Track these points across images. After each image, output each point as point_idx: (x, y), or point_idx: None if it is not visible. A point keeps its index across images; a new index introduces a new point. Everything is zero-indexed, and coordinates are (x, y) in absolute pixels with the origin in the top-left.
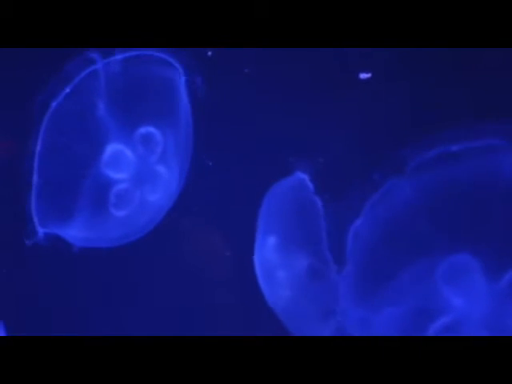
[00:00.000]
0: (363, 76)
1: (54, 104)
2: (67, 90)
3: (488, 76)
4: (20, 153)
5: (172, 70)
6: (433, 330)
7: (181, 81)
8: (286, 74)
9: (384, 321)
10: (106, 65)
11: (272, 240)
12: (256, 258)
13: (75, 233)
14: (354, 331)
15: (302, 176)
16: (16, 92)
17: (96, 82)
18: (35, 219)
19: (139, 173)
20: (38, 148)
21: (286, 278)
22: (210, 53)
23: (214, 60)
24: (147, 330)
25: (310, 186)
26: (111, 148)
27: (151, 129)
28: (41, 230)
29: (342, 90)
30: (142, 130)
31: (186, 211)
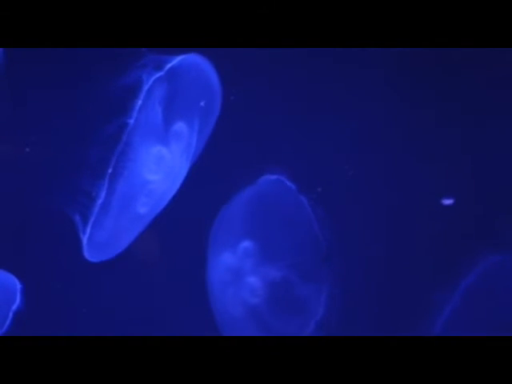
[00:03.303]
0: (446, 202)
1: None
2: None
3: None
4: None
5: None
6: None
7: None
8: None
9: None
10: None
11: (247, 244)
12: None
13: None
14: None
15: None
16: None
17: (158, 89)
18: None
19: (170, 171)
20: (110, 170)
21: (256, 284)
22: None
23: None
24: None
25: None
26: (156, 152)
27: (182, 124)
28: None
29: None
30: (175, 126)
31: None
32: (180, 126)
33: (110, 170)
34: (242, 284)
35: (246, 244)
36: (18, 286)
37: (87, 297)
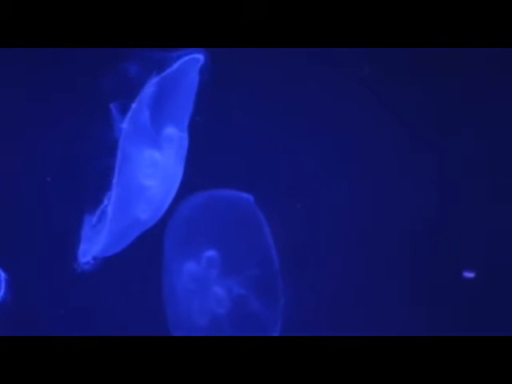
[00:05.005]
0: (467, 275)
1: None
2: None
3: None
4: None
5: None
6: None
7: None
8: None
9: None
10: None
11: (211, 254)
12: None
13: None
14: None
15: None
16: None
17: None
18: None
19: (165, 175)
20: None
21: (221, 294)
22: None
23: None
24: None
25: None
26: (148, 156)
27: (173, 127)
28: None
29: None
30: (168, 130)
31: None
32: (171, 129)
33: (114, 179)
34: (207, 294)
35: (210, 253)
36: (3, 276)
37: (67, 298)
